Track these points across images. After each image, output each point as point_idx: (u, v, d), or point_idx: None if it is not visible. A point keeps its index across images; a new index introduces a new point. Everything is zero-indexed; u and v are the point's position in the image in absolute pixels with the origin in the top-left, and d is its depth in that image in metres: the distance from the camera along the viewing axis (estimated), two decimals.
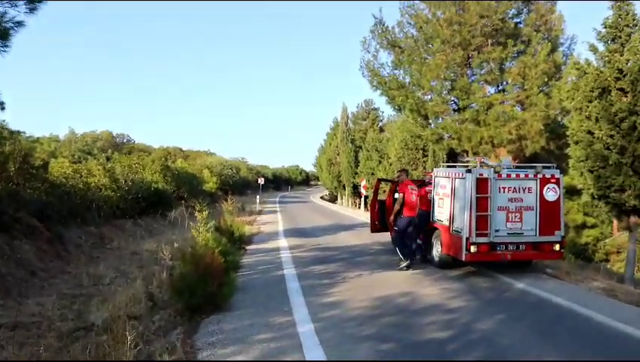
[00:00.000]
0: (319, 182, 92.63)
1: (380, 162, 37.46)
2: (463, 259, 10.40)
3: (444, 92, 19.62)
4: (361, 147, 46.43)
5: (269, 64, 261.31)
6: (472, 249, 10.21)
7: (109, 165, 22.50)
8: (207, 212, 9.78)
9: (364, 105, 57.61)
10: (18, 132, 15.39)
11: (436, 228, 11.80)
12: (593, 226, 23.53)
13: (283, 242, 17.15)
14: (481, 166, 10.96)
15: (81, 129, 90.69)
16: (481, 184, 10.29)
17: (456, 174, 10.99)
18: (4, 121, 14.58)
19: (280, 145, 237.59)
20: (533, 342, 6.46)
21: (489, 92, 19.42)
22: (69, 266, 11.95)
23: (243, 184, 63.69)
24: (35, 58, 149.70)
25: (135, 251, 14.68)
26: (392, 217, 12.09)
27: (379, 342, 6.38)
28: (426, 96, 20.03)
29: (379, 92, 20.86)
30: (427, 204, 12.34)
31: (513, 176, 10.52)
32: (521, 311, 7.97)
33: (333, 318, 7.45)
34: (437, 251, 11.74)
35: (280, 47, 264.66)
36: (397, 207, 11.86)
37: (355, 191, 47.70)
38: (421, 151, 29.91)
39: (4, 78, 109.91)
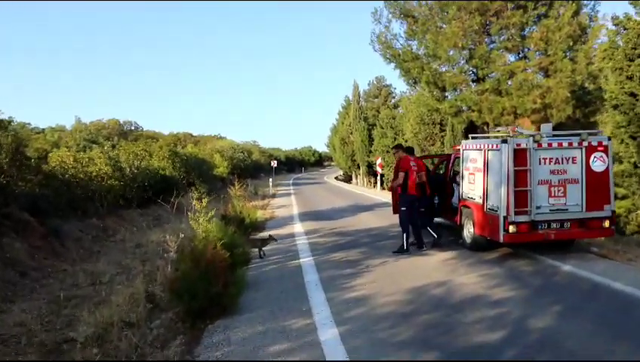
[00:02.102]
0: (333, 163, 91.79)
1: (394, 139, 36.35)
2: (501, 240, 9.20)
3: (462, 61, 18.39)
4: (374, 125, 45.25)
5: (280, 44, 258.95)
6: (511, 229, 9.01)
7: (114, 153, 21.49)
8: (206, 199, 8.67)
9: (375, 83, 56.43)
10: (10, 120, 14.29)
11: (467, 207, 10.61)
12: (624, 197, 22.32)
13: (298, 227, 16.12)
14: (515, 135, 9.66)
15: (89, 118, 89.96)
16: (519, 155, 9.06)
17: (490, 146, 9.71)
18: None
19: (292, 127, 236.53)
20: (608, 341, 5.31)
21: (510, 60, 18.07)
22: (65, 263, 10.96)
23: (255, 167, 62.99)
24: (43, 51, 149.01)
25: (140, 243, 13.68)
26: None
27: (419, 349, 5.26)
28: (442, 67, 18.82)
29: (392, 65, 19.62)
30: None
31: (555, 145, 9.23)
32: (578, 301, 6.81)
33: (360, 319, 6.31)
34: (469, 232, 10.57)
35: (292, 28, 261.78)
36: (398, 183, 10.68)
37: (370, 170, 46.62)
38: (438, 126, 28.72)
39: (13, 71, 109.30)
